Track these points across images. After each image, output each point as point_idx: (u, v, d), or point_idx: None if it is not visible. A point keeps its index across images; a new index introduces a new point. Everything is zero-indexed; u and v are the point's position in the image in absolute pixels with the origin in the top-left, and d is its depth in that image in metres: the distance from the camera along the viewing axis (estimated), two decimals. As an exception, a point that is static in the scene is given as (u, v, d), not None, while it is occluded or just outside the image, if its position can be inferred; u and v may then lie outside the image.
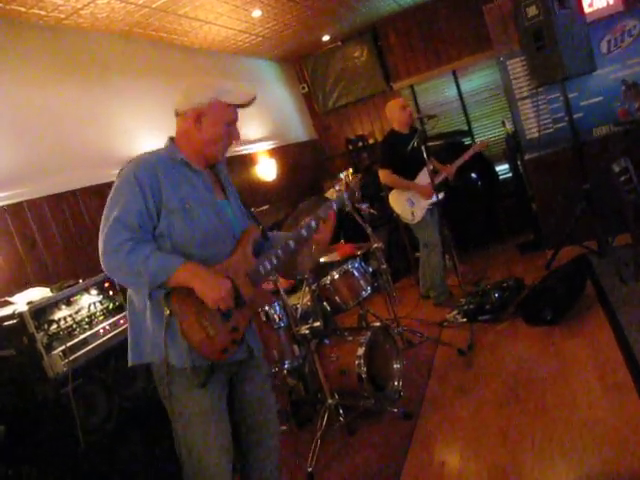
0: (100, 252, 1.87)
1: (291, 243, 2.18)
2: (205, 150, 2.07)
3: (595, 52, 4.61)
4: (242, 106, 2.11)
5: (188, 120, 2.04)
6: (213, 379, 1.98)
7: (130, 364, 2.03)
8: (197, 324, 1.89)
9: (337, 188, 4.00)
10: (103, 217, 1.90)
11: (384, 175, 4.76)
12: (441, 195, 4.56)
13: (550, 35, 4.34)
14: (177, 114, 2.08)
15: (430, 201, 4.67)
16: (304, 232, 2.24)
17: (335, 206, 2.34)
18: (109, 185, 2.02)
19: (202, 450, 1.98)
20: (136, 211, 1.87)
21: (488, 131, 7.47)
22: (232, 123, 2.10)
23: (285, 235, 2.33)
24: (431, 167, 4.24)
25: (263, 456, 2.22)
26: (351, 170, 2.59)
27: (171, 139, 2.12)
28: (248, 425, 2.19)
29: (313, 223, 2.26)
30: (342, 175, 2.58)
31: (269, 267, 2.12)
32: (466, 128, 7.52)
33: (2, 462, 2.55)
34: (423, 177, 4.66)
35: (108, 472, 2.65)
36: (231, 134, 2.11)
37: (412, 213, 4.72)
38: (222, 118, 2.05)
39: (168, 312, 1.86)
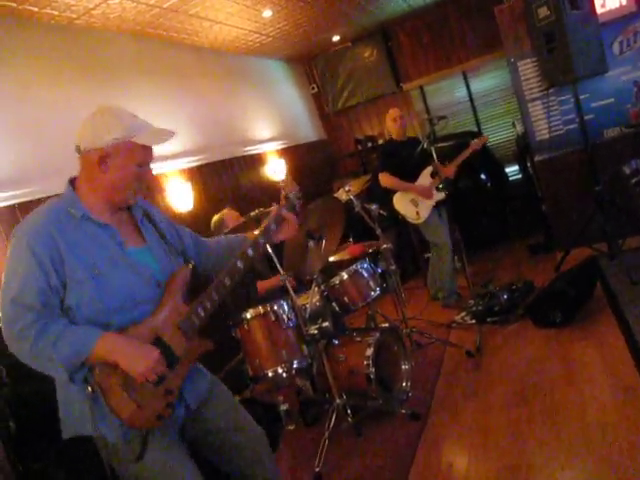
0: (4, 336, 1.66)
1: (226, 280, 1.97)
2: (111, 197, 1.80)
3: (607, 53, 4.58)
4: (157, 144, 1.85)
5: (91, 160, 1.75)
6: (154, 443, 1.79)
7: (65, 438, 1.83)
8: (125, 397, 1.69)
9: (347, 188, 4.03)
10: (0, 292, 1.68)
11: (384, 178, 4.83)
12: (442, 195, 4.59)
13: (561, 36, 4.32)
14: (79, 151, 1.79)
15: (433, 200, 4.71)
16: (240, 264, 2.03)
17: (285, 211, 2.18)
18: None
19: None
20: (36, 289, 1.63)
21: (498, 132, 7.45)
22: (145, 164, 1.83)
23: (239, 240, 2.23)
24: (431, 169, 4.31)
25: (261, 469, 2.10)
26: (289, 177, 2.45)
27: (71, 183, 1.84)
28: (233, 450, 2.05)
29: (250, 251, 2.07)
30: (281, 184, 2.40)
31: (203, 314, 1.90)
32: (476, 129, 7.50)
33: (13, 459, 2.57)
34: (423, 179, 4.75)
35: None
36: (142, 177, 1.83)
37: (417, 212, 4.74)
38: (132, 159, 1.77)
39: (91, 390, 1.67)
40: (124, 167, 1.77)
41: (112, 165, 1.75)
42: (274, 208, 2.28)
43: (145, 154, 1.81)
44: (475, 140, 4.90)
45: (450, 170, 4.80)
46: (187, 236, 2.17)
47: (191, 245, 2.16)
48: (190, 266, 1.98)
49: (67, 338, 1.63)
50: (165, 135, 1.83)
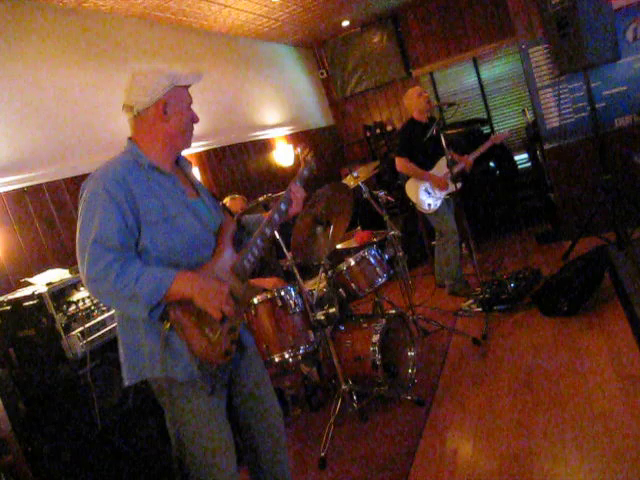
0: (84, 280, 1.75)
1: (267, 230, 2.13)
2: (175, 141, 1.97)
3: (620, 40, 4.52)
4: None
5: (150, 116, 1.91)
6: (218, 383, 1.96)
7: (127, 384, 1.93)
8: (199, 333, 1.83)
9: (355, 175, 4.02)
10: (78, 243, 1.78)
11: (400, 163, 4.73)
12: (458, 185, 4.53)
13: (574, 22, 4.27)
14: (135, 114, 1.92)
15: (447, 191, 4.66)
16: (276, 217, 2.19)
17: (299, 183, 2.30)
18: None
19: (208, 455, 1.95)
20: (116, 229, 1.75)
21: (508, 120, 7.40)
22: (191, 105, 2.02)
23: (257, 219, 2.30)
24: (449, 157, 4.21)
25: (271, 444, 2.20)
26: (304, 145, 2.62)
27: (131, 141, 1.97)
28: (253, 418, 2.16)
29: (283, 206, 2.22)
30: (298, 151, 2.59)
31: (253, 259, 2.06)
32: (485, 116, 7.45)
33: (21, 439, 2.60)
34: (440, 167, 4.65)
35: (124, 451, 2.69)
36: (194, 117, 2.02)
37: (428, 204, 4.70)
38: (184, 102, 1.97)
39: (168, 326, 1.79)
40: (181, 110, 1.95)
41: (171, 112, 1.92)
42: (298, 153, 2.52)
43: (189, 94, 2.00)
44: (496, 134, 4.85)
45: (468, 161, 4.77)
46: None
47: None
48: (235, 218, 2.15)
49: (147, 276, 1.73)
50: (199, 73, 2.00)
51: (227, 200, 3.94)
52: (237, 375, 2.11)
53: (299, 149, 2.52)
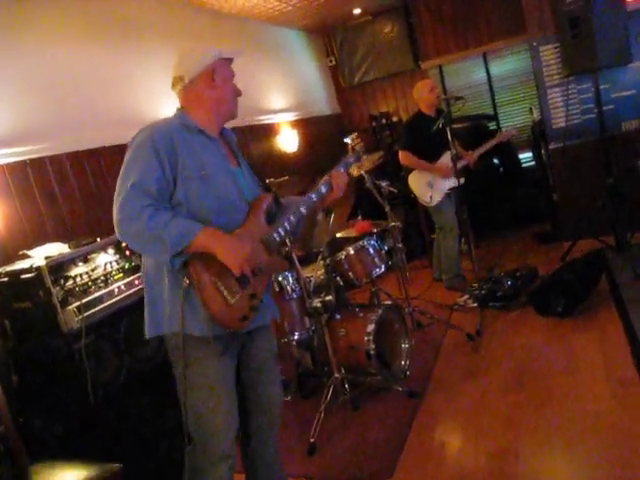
0: (116, 220, 1.84)
1: (302, 209, 2.21)
2: (222, 108, 2.10)
3: (632, 44, 4.49)
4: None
5: (199, 83, 2.05)
6: (231, 348, 2.02)
7: (148, 337, 2.04)
8: (216, 293, 1.88)
9: (359, 164, 4.00)
10: (118, 185, 1.88)
11: (404, 156, 4.73)
12: (462, 180, 4.51)
13: (587, 23, 4.24)
14: (184, 84, 2.07)
15: (449, 185, 4.65)
16: (314, 197, 2.27)
17: (343, 169, 2.40)
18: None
19: (210, 415, 2.00)
20: (154, 177, 1.86)
21: (514, 117, 7.37)
22: (233, 78, 2.16)
23: (297, 200, 2.34)
24: (454, 152, 4.19)
25: (266, 424, 2.26)
26: (356, 134, 2.62)
27: (180, 110, 2.11)
28: (253, 393, 2.22)
29: (323, 188, 2.30)
30: (348, 139, 2.63)
31: (283, 234, 2.14)
32: (492, 113, 7.42)
33: (14, 411, 2.61)
34: (445, 161, 4.63)
35: (116, 426, 2.70)
36: (237, 90, 2.16)
37: (430, 196, 4.69)
38: (229, 74, 2.12)
39: (187, 282, 1.86)
40: (227, 80, 2.10)
41: (218, 80, 2.07)
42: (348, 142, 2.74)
43: (232, 69, 2.15)
44: (504, 131, 4.82)
45: (472, 157, 4.75)
46: None
47: None
48: (273, 194, 2.21)
49: (176, 223, 1.82)
50: (241, 50, 2.17)
51: None
52: (249, 347, 2.17)
53: (350, 138, 2.61)
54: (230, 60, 2.14)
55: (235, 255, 1.87)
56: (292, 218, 2.17)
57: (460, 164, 4.55)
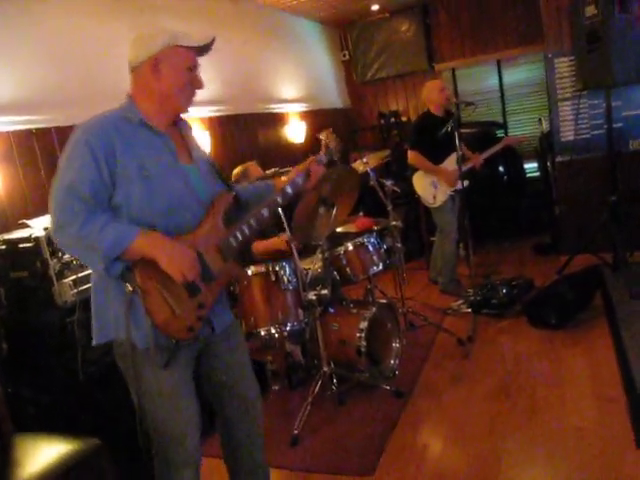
0: (52, 226, 1.72)
1: (264, 212, 2.06)
2: (167, 102, 1.89)
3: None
4: (202, 51, 1.93)
5: (144, 71, 1.85)
6: (178, 357, 1.86)
7: (95, 344, 1.89)
8: (162, 301, 1.77)
9: (365, 160, 4.01)
10: (52, 187, 1.73)
11: (412, 156, 4.73)
12: (466, 183, 4.51)
13: (605, 38, 4.22)
14: (132, 70, 1.89)
15: (453, 187, 4.66)
16: (279, 199, 2.14)
17: (319, 163, 2.33)
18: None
19: (168, 422, 1.91)
20: (89, 180, 1.70)
21: (523, 127, 7.35)
22: (194, 68, 1.91)
23: (262, 191, 2.25)
24: (461, 153, 4.19)
25: (248, 425, 2.16)
26: (330, 130, 2.61)
27: (129, 97, 1.92)
28: (228, 396, 2.12)
29: (289, 189, 2.17)
30: (322, 136, 2.58)
31: (241, 238, 1.98)
32: (501, 120, 7.41)
33: (2, 379, 2.62)
34: (450, 162, 4.63)
35: (102, 401, 2.71)
36: (194, 81, 1.92)
37: (434, 196, 4.70)
38: (182, 63, 1.87)
39: (130, 289, 1.73)
40: (175, 71, 1.86)
41: (164, 71, 1.84)
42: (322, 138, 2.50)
43: (192, 57, 1.90)
44: (511, 136, 4.82)
45: (478, 160, 4.75)
46: None
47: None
48: (233, 193, 2.06)
49: (111, 227, 1.69)
50: (207, 38, 1.90)
51: (251, 163, 3.92)
52: (211, 349, 2.05)
53: (324, 134, 2.50)
54: (193, 48, 1.89)
55: (177, 262, 1.74)
56: (252, 221, 2.02)
57: (466, 167, 4.55)
